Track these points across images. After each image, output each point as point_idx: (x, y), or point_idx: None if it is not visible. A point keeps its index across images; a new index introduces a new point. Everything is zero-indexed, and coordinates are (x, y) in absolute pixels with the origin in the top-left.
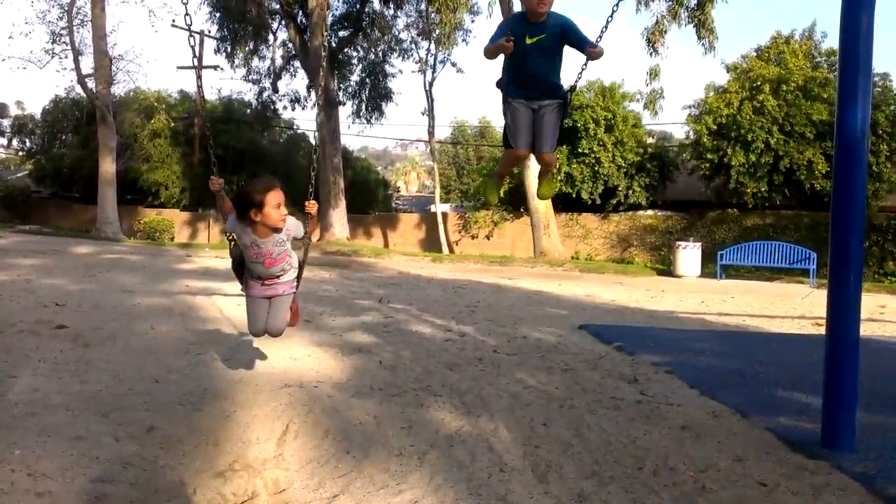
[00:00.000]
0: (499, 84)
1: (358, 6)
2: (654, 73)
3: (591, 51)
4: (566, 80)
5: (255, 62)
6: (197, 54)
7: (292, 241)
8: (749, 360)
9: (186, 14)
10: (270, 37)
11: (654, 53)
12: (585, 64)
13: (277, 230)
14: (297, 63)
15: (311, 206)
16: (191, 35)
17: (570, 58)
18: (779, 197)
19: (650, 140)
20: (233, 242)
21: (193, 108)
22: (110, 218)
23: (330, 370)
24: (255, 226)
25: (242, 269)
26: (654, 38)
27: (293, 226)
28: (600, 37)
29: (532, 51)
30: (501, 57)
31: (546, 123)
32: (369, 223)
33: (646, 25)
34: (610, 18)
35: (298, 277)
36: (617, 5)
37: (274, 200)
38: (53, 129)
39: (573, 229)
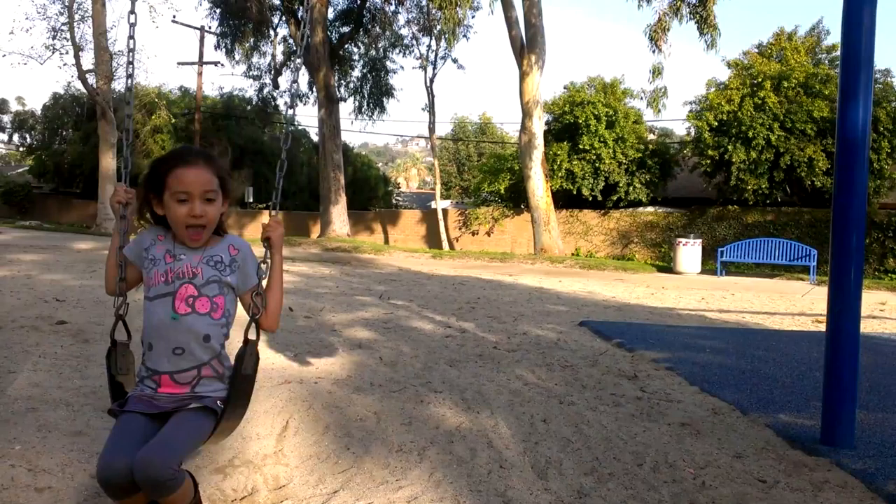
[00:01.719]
0: None
1: (359, 2)
2: (657, 71)
3: None
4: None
5: (256, 58)
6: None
7: (238, 299)
8: (749, 357)
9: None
10: (271, 33)
11: (657, 51)
12: None
13: (195, 238)
14: (298, 59)
15: (274, 227)
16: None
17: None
18: (779, 194)
19: (651, 136)
20: (124, 309)
21: (194, 104)
22: (111, 214)
23: (330, 366)
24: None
25: (118, 383)
26: (656, 36)
27: (242, 247)
28: None
29: None
30: None
31: None
32: (370, 219)
33: (648, 23)
34: None
35: (232, 397)
36: None
37: (180, 185)
38: (54, 125)
39: (574, 226)
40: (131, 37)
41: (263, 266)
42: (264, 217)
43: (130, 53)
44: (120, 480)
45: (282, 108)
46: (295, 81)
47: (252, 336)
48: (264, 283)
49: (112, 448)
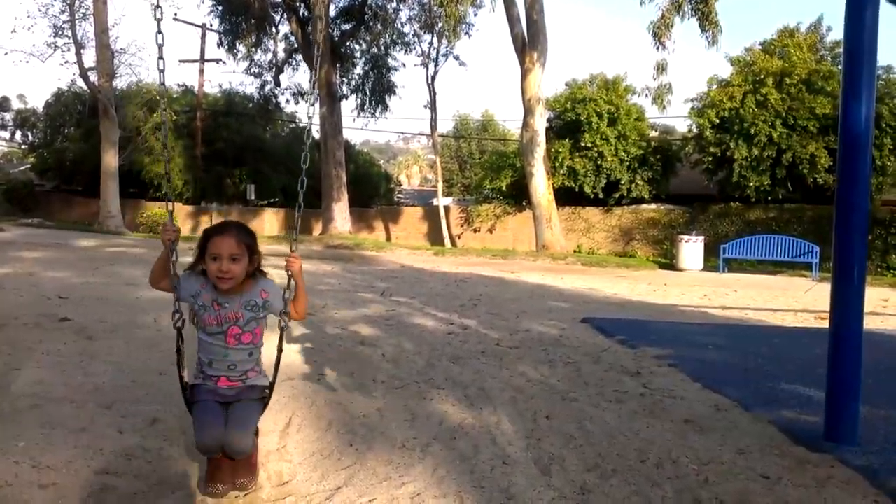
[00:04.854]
0: None
1: None
2: (661, 68)
3: None
4: None
5: (258, 56)
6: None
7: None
8: (752, 354)
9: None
10: (273, 30)
11: (660, 48)
12: None
13: (223, 286)
14: (299, 56)
15: (293, 263)
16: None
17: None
18: (782, 190)
19: (653, 133)
20: (181, 323)
21: (195, 102)
22: (113, 211)
23: (333, 363)
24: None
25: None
26: (660, 33)
27: (271, 290)
28: None
29: None
30: None
31: None
32: (372, 217)
33: (651, 20)
34: None
35: (270, 387)
36: None
37: (213, 249)
38: (56, 123)
39: (576, 223)
40: (161, 57)
41: (287, 293)
42: (266, 214)
43: (161, 74)
44: (215, 451)
45: (284, 107)
46: (305, 89)
47: (283, 321)
48: (289, 302)
49: (203, 427)
